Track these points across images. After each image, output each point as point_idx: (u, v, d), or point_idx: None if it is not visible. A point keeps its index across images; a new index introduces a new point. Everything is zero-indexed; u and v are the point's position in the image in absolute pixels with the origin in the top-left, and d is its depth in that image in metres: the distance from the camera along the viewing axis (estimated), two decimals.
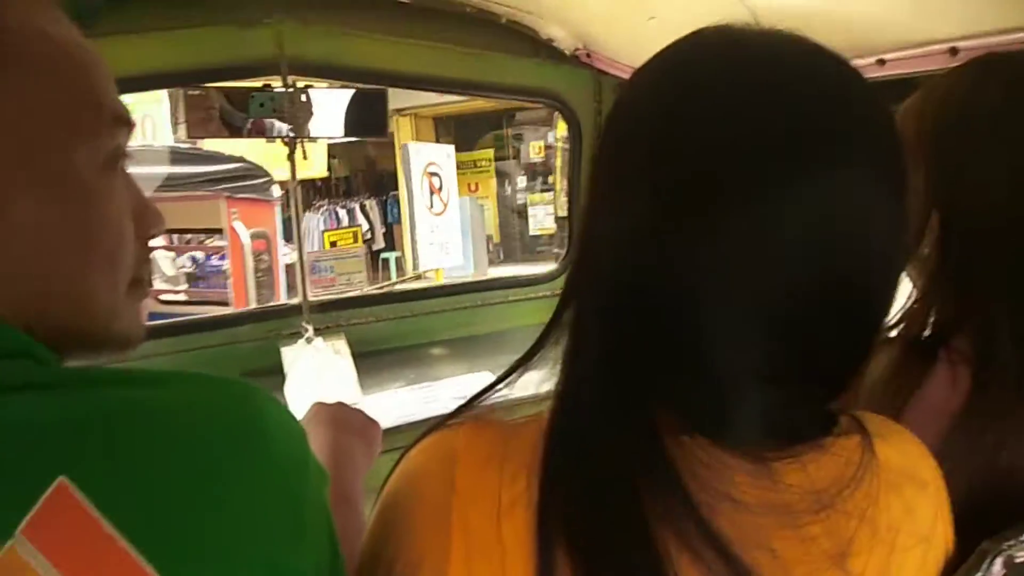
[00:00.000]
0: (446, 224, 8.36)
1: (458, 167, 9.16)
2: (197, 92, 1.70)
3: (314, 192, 13.54)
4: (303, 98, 1.74)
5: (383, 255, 11.70)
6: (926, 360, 0.73)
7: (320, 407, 0.92)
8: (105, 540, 0.41)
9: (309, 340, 1.73)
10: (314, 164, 9.08)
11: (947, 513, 0.59)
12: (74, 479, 0.41)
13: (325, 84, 1.83)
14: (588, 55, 1.99)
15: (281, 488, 0.49)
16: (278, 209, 6.66)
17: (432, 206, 8.26)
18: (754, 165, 0.50)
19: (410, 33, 1.85)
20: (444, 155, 8.59)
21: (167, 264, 6.34)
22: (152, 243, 0.63)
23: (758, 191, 0.49)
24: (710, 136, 0.51)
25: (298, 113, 1.74)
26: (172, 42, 1.65)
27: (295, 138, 1.66)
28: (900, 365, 0.69)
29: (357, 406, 0.96)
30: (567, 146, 2.26)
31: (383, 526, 0.59)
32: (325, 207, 11.98)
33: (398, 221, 11.51)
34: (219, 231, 6.17)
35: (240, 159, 6.19)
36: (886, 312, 0.57)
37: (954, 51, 1.06)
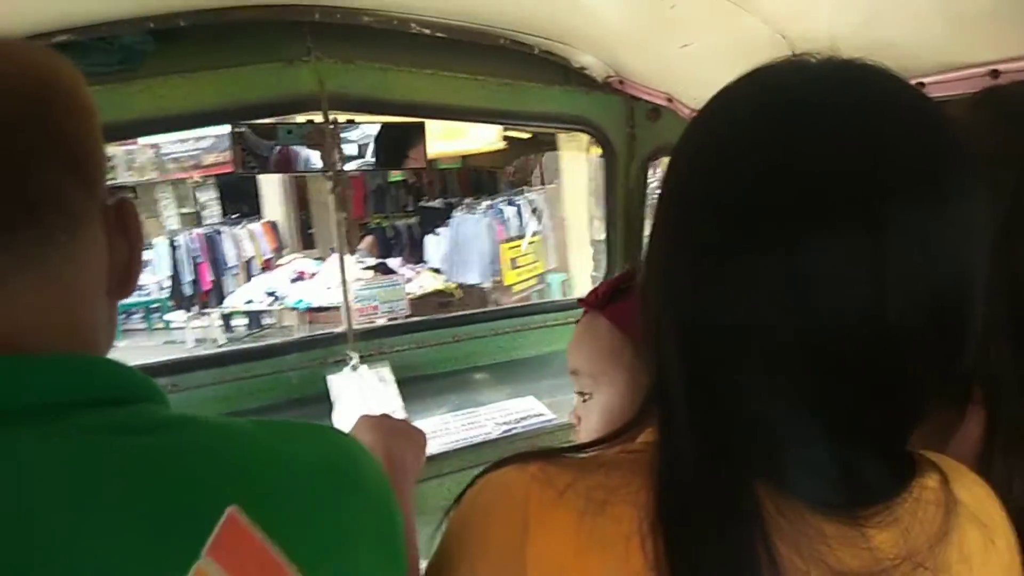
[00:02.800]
0: None
1: None
2: (241, 130, 1.74)
3: (409, 191, 10.72)
4: (343, 120, 1.78)
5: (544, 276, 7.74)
6: (962, 402, 0.73)
7: (367, 417, 0.94)
8: (272, 563, 0.49)
9: (355, 368, 1.76)
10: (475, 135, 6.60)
11: (1018, 558, 0.59)
12: (241, 509, 0.49)
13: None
14: (621, 82, 2.02)
15: (383, 524, 0.58)
16: None
17: None
18: (830, 207, 0.48)
19: (446, 66, 1.89)
20: None
21: None
22: None
23: (829, 235, 0.48)
24: (806, 170, 0.49)
25: (327, 141, 1.78)
26: (217, 81, 1.71)
27: (340, 173, 1.70)
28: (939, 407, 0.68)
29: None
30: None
31: (446, 568, 0.59)
32: (486, 203, 7.71)
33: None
34: None
35: None
36: (968, 349, 0.54)
37: (995, 73, 1.07)
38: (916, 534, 0.53)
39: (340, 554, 0.53)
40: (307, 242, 9.89)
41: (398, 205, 11.01)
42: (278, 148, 1.80)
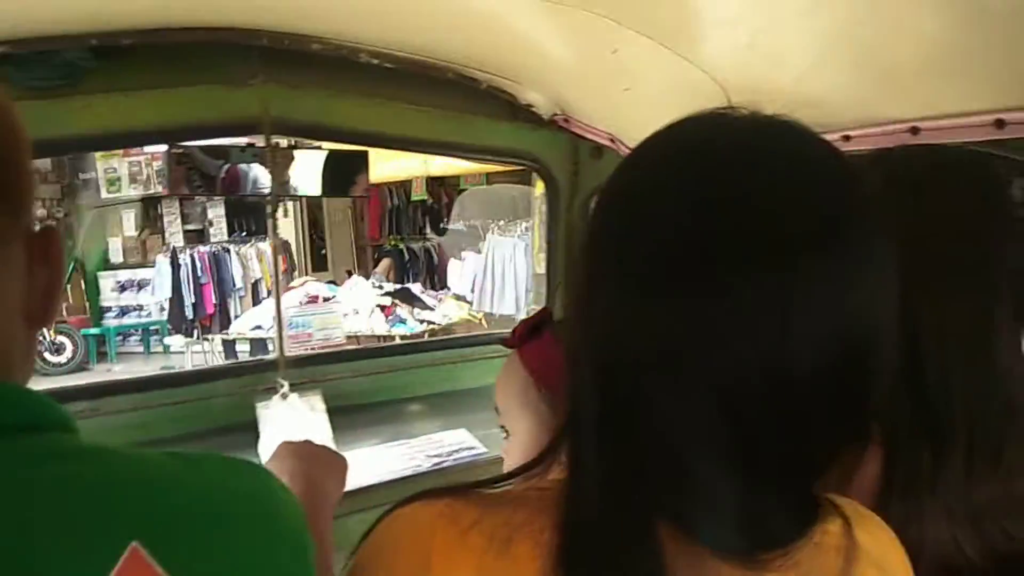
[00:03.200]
0: None
1: None
2: (180, 151, 1.72)
3: (427, 212, 9.96)
4: (285, 145, 1.78)
5: None
6: (863, 441, 0.74)
7: (287, 444, 0.94)
8: None
9: (284, 396, 1.72)
10: None
11: None
12: (144, 544, 0.47)
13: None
14: (566, 120, 2.05)
15: (294, 558, 0.56)
16: None
17: None
18: (744, 252, 0.50)
19: (393, 96, 1.89)
20: None
21: None
22: None
23: (742, 279, 0.50)
24: (712, 222, 0.51)
25: (278, 164, 1.78)
26: (158, 101, 1.69)
27: (278, 197, 1.68)
28: None
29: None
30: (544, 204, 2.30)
31: None
32: (523, 225, 6.85)
33: None
34: None
35: None
36: (874, 395, 0.56)
37: (915, 130, 1.11)
38: None
39: None
40: (319, 264, 9.27)
41: (415, 227, 10.36)
42: (227, 167, 1.78)
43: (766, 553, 0.52)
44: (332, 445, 1.79)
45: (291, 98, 1.76)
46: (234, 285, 8.34)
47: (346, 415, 1.89)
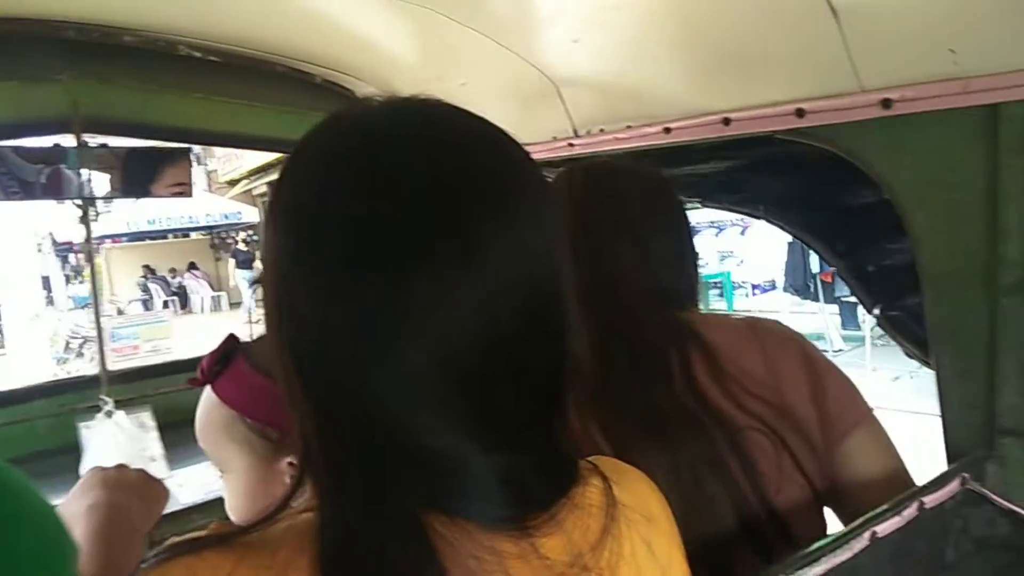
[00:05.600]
0: None
1: None
2: None
3: None
4: (121, 153, 1.68)
5: None
6: None
7: (96, 470, 0.89)
8: None
9: (109, 414, 1.60)
10: None
11: (679, 544, 0.63)
12: None
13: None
14: None
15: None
16: None
17: None
18: (421, 235, 0.50)
19: (220, 91, 1.80)
20: None
21: None
22: None
23: (428, 260, 0.50)
24: (377, 210, 0.50)
25: (119, 168, 1.67)
26: None
27: (89, 199, 1.56)
28: None
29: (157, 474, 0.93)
30: None
31: None
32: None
33: None
34: None
35: None
36: (569, 352, 0.56)
37: (727, 121, 1.18)
38: (579, 538, 0.54)
39: None
40: None
41: None
42: (48, 172, 1.64)
43: (532, 519, 0.52)
44: (163, 462, 1.70)
45: (103, 93, 1.64)
46: None
47: (181, 429, 1.78)
